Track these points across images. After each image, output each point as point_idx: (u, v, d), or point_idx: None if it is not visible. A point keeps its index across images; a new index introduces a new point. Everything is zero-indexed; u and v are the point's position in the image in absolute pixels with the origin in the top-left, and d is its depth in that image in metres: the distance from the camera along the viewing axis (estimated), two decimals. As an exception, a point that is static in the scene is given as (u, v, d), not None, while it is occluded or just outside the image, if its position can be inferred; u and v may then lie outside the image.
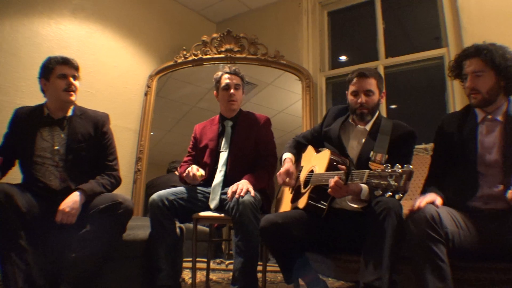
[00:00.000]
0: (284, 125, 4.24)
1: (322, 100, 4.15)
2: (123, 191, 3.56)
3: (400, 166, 1.59)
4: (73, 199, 2.17)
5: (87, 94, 3.64)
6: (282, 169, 2.28)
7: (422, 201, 1.76)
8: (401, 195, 1.60)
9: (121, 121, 3.93)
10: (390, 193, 1.59)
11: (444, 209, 1.76)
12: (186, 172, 2.48)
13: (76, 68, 2.40)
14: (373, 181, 1.65)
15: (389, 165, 1.63)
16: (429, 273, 1.61)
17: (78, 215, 2.16)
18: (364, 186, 1.92)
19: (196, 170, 2.46)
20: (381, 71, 3.87)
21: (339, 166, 1.93)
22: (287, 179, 2.25)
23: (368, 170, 1.70)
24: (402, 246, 1.79)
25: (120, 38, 4.08)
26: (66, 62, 2.36)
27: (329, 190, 1.89)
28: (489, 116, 1.93)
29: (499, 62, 1.83)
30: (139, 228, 2.46)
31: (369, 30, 4.18)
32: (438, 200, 1.79)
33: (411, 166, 1.58)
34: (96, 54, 3.85)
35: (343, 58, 4.80)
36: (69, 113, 2.42)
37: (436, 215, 1.65)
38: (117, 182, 2.46)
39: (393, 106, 5.87)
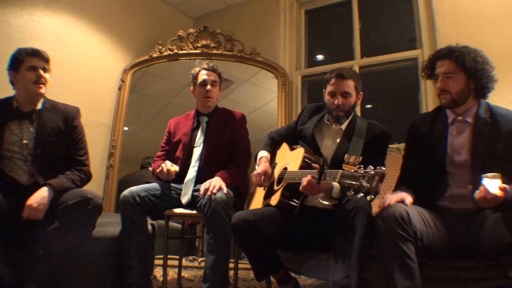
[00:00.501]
0: (260, 123, 4.24)
1: (297, 98, 4.17)
2: (95, 187, 3.50)
3: (372, 168, 1.61)
4: (41, 194, 2.11)
5: (59, 87, 3.56)
6: (259, 169, 2.27)
7: (392, 199, 1.78)
8: (373, 197, 1.62)
9: (94, 116, 3.86)
10: (362, 194, 1.60)
11: (413, 208, 1.78)
12: (160, 168, 2.45)
13: (46, 60, 2.34)
14: (345, 181, 1.66)
15: (362, 166, 1.64)
16: (397, 271, 1.63)
17: (46, 211, 2.10)
18: (335, 184, 1.93)
19: (170, 166, 2.44)
20: (356, 70, 3.90)
21: (313, 165, 1.93)
22: (263, 180, 2.25)
23: (341, 171, 1.71)
24: (372, 245, 1.80)
25: (95, 31, 4.00)
26: (36, 54, 2.30)
27: (301, 188, 1.90)
28: (460, 118, 1.97)
29: (470, 65, 1.87)
30: (109, 224, 2.41)
31: (346, 29, 4.20)
32: (408, 199, 1.81)
33: (383, 168, 1.61)
34: (69, 47, 3.76)
35: (320, 57, 4.83)
36: (39, 106, 2.35)
37: (405, 214, 1.67)
38: (87, 177, 2.40)
39: (368, 106, 5.95)
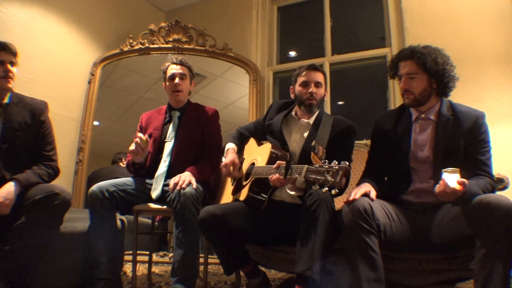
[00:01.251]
0: (233, 118, 4.25)
1: (269, 94, 4.21)
2: (63, 182, 3.45)
3: (337, 163, 1.66)
4: (8, 189, 2.07)
5: (27, 81, 3.48)
6: (226, 160, 2.29)
7: (357, 192, 1.82)
8: (337, 190, 1.66)
9: (63, 110, 3.79)
10: (327, 188, 1.65)
11: (377, 202, 1.83)
12: (133, 144, 2.42)
13: (14, 54, 2.29)
14: (311, 176, 1.71)
15: (327, 161, 1.69)
16: (361, 263, 1.68)
17: (13, 206, 2.07)
18: (299, 177, 1.96)
19: (140, 134, 2.44)
20: (327, 67, 3.99)
21: (279, 161, 1.96)
22: (231, 169, 2.27)
23: (306, 166, 1.76)
24: (336, 237, 1.85)
25: (65, 23, 3.92)
26: (3, 47, 2.24)
27: (271, 182, 1.96)
28: (423, 115, 2.03)
29: (431, 66, 1.93)
30: (78, 220, 2.40)
31: (318, 27, 4.25)
32: (373, 192, 1.86)
33: (347, 163, 1.65)
34: (38, 39, 3.67)
35: (292, 53, 4.87)
36: (6, 100, 2.30)
37: (368, 207, 1.72)
38: (55, 172, 2.37)
39: (340, 103, 6.03)
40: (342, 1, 4.37)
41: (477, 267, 1.58)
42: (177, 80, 2.65)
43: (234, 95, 4.41)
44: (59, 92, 3.78)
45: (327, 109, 3.90)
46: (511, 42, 3.16)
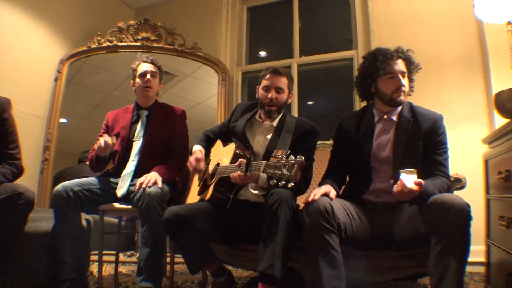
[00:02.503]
0: (203, 117, 4.26)
1: (237, 94, 4.24)
2: (28, 182, 3.37)
3: (293, 157, 1.70)
4: (-30, 188, 2.04)
5: (-10, 77, 3.40)
6: (192, 157, 2.31)
7: (317, 193, 1.87)
8: (293, 184, 1.70)
9: (28, 107, 3.71)
10: (284, 182, 1.69)
11: (337, 201, 1.88)
12: (98, 144, 2.41)
13: None
14: (269, 171, 1.75)
15: (284, 156, 1.73)
16: (322, 261, 1.72)
17: (-24, 205, 2.03)
18: (262, 174, 1.99)
19: (107, 137, 2.42)
20: (295, 69, 4.05)
21: (240, 159, 2.00)
22: (197, 165, 2.28)
23: (265, 161, 1.80)
24: (299, 236, 1.88)
25: (31, 19, 3.82)
26: None
27: (232, 179, 1.99)
28: (385, 116, 2.10)
29: (414, 68, 2.06)
30: (43, 220, 2.37)
31: (287, 28, 4.30)
32: (332, 192, 1.91)
33: (303, 158, 1.70)
34: (3, 35, 3.57)
35: (263, 53, 4.91)
36: (-34, 97, 2.26)
37: (329, 206, 1.76)
38: (18, 171, 2.33)
39: (310, 103, 6.11)
40: (311, 3, 4.43)
41: (432, 263, 1.64)
42: (148, 76, 2.66)
43: (204, 94, 4.41)
44: (24, 89, 3.70)
45: (295, 109, 3.96)
46: (472, 46, 3.28)
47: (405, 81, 2.03)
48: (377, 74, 2.06)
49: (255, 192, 2.16)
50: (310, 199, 1.84)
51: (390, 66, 2.03)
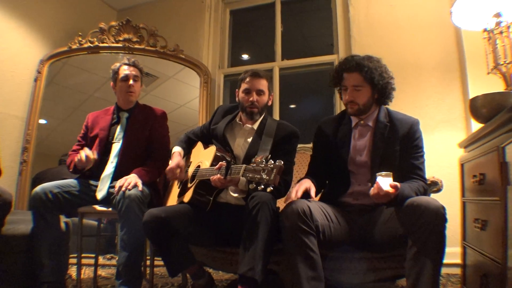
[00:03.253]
0: (185, 119, 4.24)
1: (219, 96, 4.25)
2: (6, 183, 3.33)
3: (272, 162, 1.72)
4: None
5: (-33, 77, 3.33)
6: (172, 164, 2.29)
7: (298, 190, 1.90)
8: (272, 188, 1.72)
9: (6, 108, 3.64)
10: (263, 186, 1.71)
11: (316, 204, 1.91)
12: (79, 157, 2.38)
13: None
14: (248, 175, 1.76)
15: (264, 160, 1.75)
16: (301, 263, 1.74)
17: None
18: (242, 177, 2.00)
19: (89, 152, 2.39)
20: (277, 72, 4.08)
21: (220, 163, 2.01)
22: (178, 173, 2.27)
23: (244, 165, 1.82)
24: (278, 238, 1.89)
25: (10, 18, 3.75)
26: None
27: (212, 182, 2.00)
28: (362, 122, 2.13)
29: (378, 81, 2.01)
30: (21, 222, 2.34)
31: (269, 31, 4.33)
32: (313, 190, 1.94)
33: (282, 162, 1.72)
34: (-18, 34, 3.52)
35: (245, 56, 4.92)
36: None
37: (307, 209, 1.78)
38: (-4, 173, 2.31)
39: (292, 106, 6.15)
40: (293, 8, 4.46)
41: (408, 265, 1.67)
42: (131, 81, 2.64)
43: (186, 96, 4.39)
44: (3, 90, 3.63)
45: (276, 113, 3.99)
46: (450, 52, 3.35)
47: (358, 94, 2.04)
48: (339, 85, 2.13)
49: (235, 195, 2.17)
50: (292, 196, 1.86)
51: (344, 80, 2.08)
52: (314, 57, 4.04)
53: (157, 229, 2.01)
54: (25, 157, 3.70)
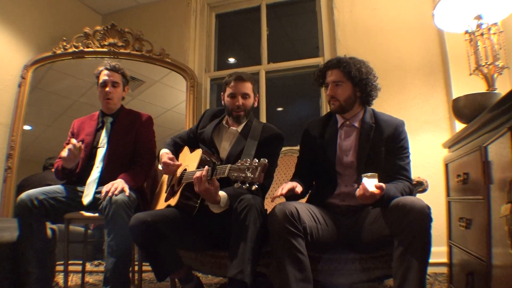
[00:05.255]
0: (172, 124, 4.24)
1: (206, 100, 4.24)
2: (-10, 190, 3.29)
3: (257, 160, 1.73)
4: None
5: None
6: (163, 159, 2.28)
7: (284, 187, 1.90)
8: (256, 186, 1.74)
9: (-11, 114, 3.61)
10: (248, 185, 1.72)
11: (303, 205, 1.92)
12: (66, 151, 2.35)
13: None
14: (233, 174, 1.76)
15: (248, 159, 1.76)
16: (289, 265, 1.75)
17: None
18: (223, 195, 2.01)
19: (73, 141, 2.37)
20: (263, 75, 4.10)
21: (207, 167, 2.00)
22: (172, 165, 2.26)
23: (230, 165, 1.82)
24: (267, 241, 1.90)
25: (-7, 22, 3.73)
26: None
27: (194, 180, 1.96)
28: (347, 122, 2.16)
29: (355, 75, 2.05)
30: (5, 230, 2.31)
31: (255, 35, 4.34)
32: (299, 187, 1.95)
33: (266, 160, 1.73)
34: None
35: (231, 60, 4.93)
36: None
37: (295, 211, 1.79)
38: (-21, 180, 2.28)
39: (280, 109, 6.18)
40: (279, 11, 4.49)
41: (395, 265, 1.69)
42: (108, 88, 2.62)
43: (173, 100, 4.39)
44: (-15, 96, 3.60)
45: (263, 116, 4.00)
46: (433, 54, 3.40)
47: (338, 89, 2.10)
48: (323, 83, 2.19)
49: (215, 210, 2.08)
50: (278, 193, 1.87)
51: (326, 77, 2.15)
52: (300, 60, 4.07)
53: (144, 234, 2.00)
54: (9, 163, 3.65)
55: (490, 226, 1.57)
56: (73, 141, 2.38)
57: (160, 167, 2.30)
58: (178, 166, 2.29)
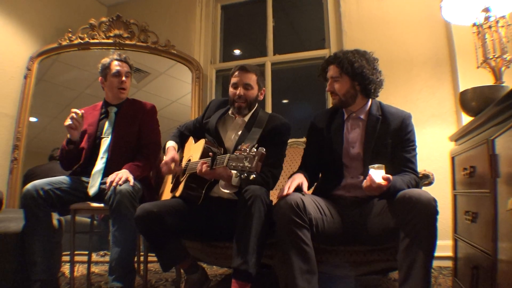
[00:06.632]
0: (177, 115, 4.23)
1: (211, 91, 4.25)
2: (-4, 181, 3.31)
3: (254, 150, 1.73)
4: None
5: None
6: (167, 158, 2.27)
7: (291, 186, 1.90)
8: (254, 175, 1.73)
9: (-4, 106, 3.63)
10: (246, 174, 1.72)
11: (309, 197, 1.92)
12: (68, 120, 2.39)
13: None
14: (231, 163, 1.76)
15: (247, 149, 1.75)
16: (294, 256, 1.75)
17: None
18: (234, 172, 2.01)
19: (74, 110, 2.41)
20: (269, 67, 4.09)
21: (209, 154, 2.02)
22: (172, 166, 2.26)
23: (228, 155, 1.82)
24: (272, 232, 1.91)
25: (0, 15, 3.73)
26: None
27: (198, 172, 2.00)
28: (353, 115, 2.16)
29: (347, 70, 2.06)
30: (12, 220, 2.32)
31: (261, 26, 4.33)
32: (305, 184, 1.96)
33: (264, 149, 1.73)
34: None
35: (237, 52, 4.91)
36: None
37: (300, 202, 1.79)
38: (-14, 171, 2.29)
39: (285, 101, 6.16)
40: (284, 2, 4.47)
41: (400, 257, 1.68)
42: (123, 78, 2.63)
43: (178, 92, 4.38)
44: (-8, 87, 3.61)
45: (269, 107, 3.99)
46: (440, 47, 3.37)
47: (336, 84, 2.11)
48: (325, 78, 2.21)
49: (226, 191, 2.17)
50: (284, 192, 1.87)
51: (326, 72, 2.18)
52: (306, 52, 4.06)
53: (149, 224, 2.01)
54: (15, 155, 3.67)
55: (496, 220, 1.56)
56: (74, 109, 2.40)
57: (164, 158, 2.31)
58: (177, 170, 2.31)
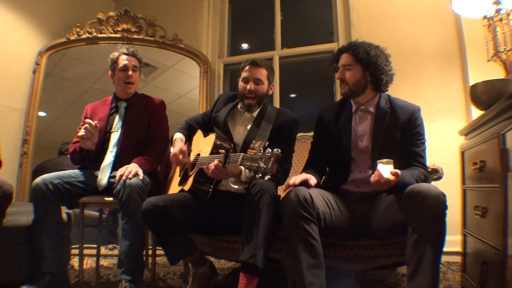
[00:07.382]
0: (185, 110, 4.23)
1: (219, 86, 4.25)
2: (7, 175, 3.33)
3: (270, 150, 1.72)
4: None
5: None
6: (175, 150, 2.28)
7: (297, 179, 1.90)
8: (269, 176, 1.73)
9: (6, 100, 3.64)
10: (260, 175, 1.71)
11: (317, 191, 1.91)
12: (83, 130, 2.40)
13: None
14: (246, 163, 1.76)
15: (262, 148, 1.75)
16: (302, 250, 1.75)
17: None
18: (243, 168, 2.00)
19: (88, 121, 2.41)
20: (277, 61, 4.07)
21: (220, 150, 2.01)
22: (181, 158, 2.26)
23: (242, 154, 1.81)
24: (280, 226, 1.91)
25: (7, 10, 3.73)
26: None
27: (210, 172, 1.99)
28: (362, 107, 2.14)
29: (362, 57, 2.04)
30: (22, 214, 2.35)
31: (269, 20, 4.31)
32: (312, 180, 1.94)
33: (279, 150, 1.72)
34: (-21, 26, 3.49)
35: (245, 45, 4.90)
36: None
37: (308, 196, 1.79)
38: (-4, 165, 2.31)
39: (293, 95, 6.14)
40: (293, -4, 4.45)
41: (409, 252, 1.67)
42: (130, 72, 2.64)
43: (186, 86, 4.38)
44: (1, 82, 3.62)
45: (276, 101, 3.99)
46: (450, 40, 3.33)
47: (348, 73, 2.10)
48: (337, 68, 2.20)
49: (236, 186, 2.18)
50: (291, 182, 1.88)
51: (337, 61, 2.17)
52: (314, 46, 4.04)
53: (156, 218, 2.01)
54: (25, 149, 3.70)
55: (507, 215, 1.55)
56: (88, 120, 2.41)
57: (172, 149, 2.31)
58: (185, 162, 2.31)
